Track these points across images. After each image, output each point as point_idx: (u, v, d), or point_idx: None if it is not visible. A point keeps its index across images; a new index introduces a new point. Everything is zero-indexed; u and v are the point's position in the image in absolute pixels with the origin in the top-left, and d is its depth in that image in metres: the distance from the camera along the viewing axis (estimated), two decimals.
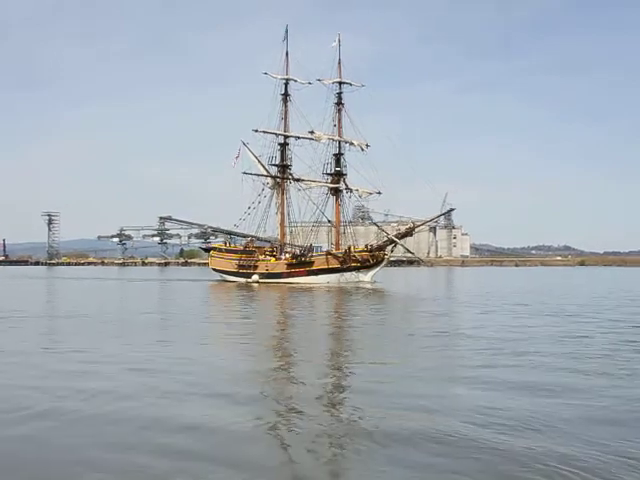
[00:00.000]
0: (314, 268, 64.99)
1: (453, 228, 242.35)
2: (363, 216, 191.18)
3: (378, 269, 64.17)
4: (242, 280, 67.37)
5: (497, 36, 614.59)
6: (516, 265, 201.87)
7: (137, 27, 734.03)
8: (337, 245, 67.88)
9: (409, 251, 65.90)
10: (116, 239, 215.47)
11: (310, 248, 67.76)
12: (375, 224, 65.98)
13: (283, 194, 70.55)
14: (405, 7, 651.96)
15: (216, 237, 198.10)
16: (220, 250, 73.64)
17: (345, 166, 68.16)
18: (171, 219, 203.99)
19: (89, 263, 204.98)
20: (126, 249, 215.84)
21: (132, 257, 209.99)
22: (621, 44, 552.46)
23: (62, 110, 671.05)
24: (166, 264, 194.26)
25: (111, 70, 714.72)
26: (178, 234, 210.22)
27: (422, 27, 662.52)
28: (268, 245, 72.71)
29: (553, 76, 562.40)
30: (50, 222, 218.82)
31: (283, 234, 70.80)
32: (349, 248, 64.68)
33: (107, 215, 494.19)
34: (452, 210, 58.40)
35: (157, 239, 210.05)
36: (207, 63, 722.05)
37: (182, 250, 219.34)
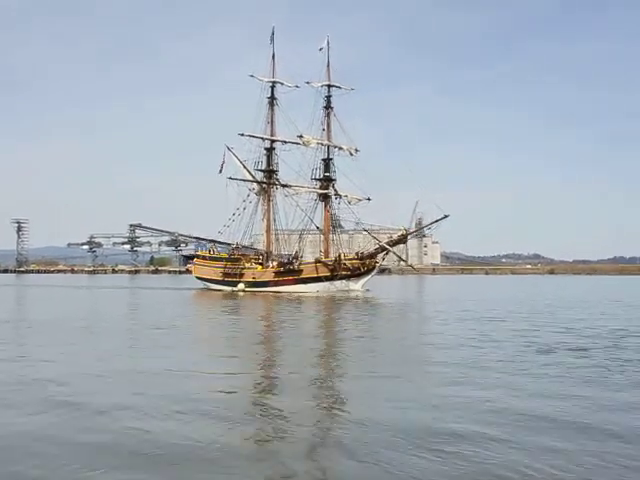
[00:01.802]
0: (303, 276, 63.15)
1: (424, 236, 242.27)
2: (335, 224, 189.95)
3: (369, 277, 62.69)
4: (227, 289, 65.13)
5: (478, 41, 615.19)
6: (486, 273, 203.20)
7: (113, 30, 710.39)
8: (326, 253, 66.07)
9: (401, 259, 64.60)
10: (86, 246, 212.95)
11: (297, 255, 65.97)
12: (366, 231, 64.13)
13: (269, 200, 68.62)
14: (381, 12, 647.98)
15: (187, 245, 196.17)
16: (204, 258, 71.23)
17: (334, 171, 66.59)
18: (141, 226, 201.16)
19: (59, 271, 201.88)
20: (96, 257, 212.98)
21: (102, 265, 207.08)
22: (603, 50, 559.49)
23: (34, 115, 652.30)
24: (136, 272, 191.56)
25: (86, 74, 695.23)
26: (149, 242, 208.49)
27: (397, 31, 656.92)
28: (253, 253, 70.66)
29: (526, 83, 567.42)
30: (19, 229, 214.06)
31: (269, 241, 68.81)
32: (339, 256, 62.97)
33: (77, 222, 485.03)
34: (447, 217, 56.94)
35: (127, 247, 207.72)
36: (192, 67, 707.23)
37: (152, 258, 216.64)
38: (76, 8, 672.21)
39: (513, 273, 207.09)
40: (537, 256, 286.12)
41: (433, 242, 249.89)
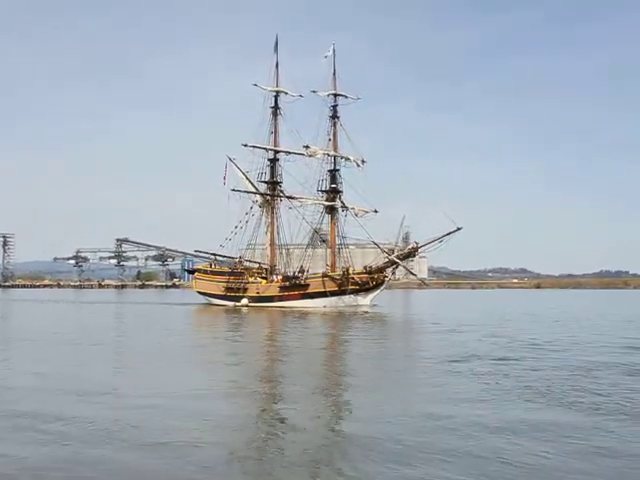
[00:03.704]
0: (310, 291, 61.38)
1: None
2: (321, 238, 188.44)
3: (378, 292, 61.14)
4: (230, 304, 63.07)
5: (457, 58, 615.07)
6: (473, 288, 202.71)
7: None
8: (332, 267, 64.45)
9: (411, 272, 63.39)
10: (72, 261, 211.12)
11: (303, 269, 64.21)
12: (376, 244, 62.51)
13: (273, 212, 66.95)
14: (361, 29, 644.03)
15: (173, 259, 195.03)
16: (205, 272, 69.12)
17: (341, 183, 65.08)
18: (128, 241, 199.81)
19: (45, 285, 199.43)
20: (82, 271, 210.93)
21: (88, 279, 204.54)
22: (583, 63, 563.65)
23: (26, 125, 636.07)
24: (123, 286, 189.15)
25: (84, 85, 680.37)
26: (135, 256, 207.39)
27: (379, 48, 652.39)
28: (256, 266, 68.74)
29: (513, 97, 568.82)
30: (5, 244, 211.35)
31: (273, 255, 67.06)
32: (347, 270, 61.34)
33: (63, 237, 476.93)
34: (459, 229, 55.65)
35: (114, 261, 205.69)
36: (192, 77, 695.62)
37: (139, 272, 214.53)
38: (75, 12, 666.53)
39: (500, 287, 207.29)
40: (523, 270, 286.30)
41: (420, 256, 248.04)
